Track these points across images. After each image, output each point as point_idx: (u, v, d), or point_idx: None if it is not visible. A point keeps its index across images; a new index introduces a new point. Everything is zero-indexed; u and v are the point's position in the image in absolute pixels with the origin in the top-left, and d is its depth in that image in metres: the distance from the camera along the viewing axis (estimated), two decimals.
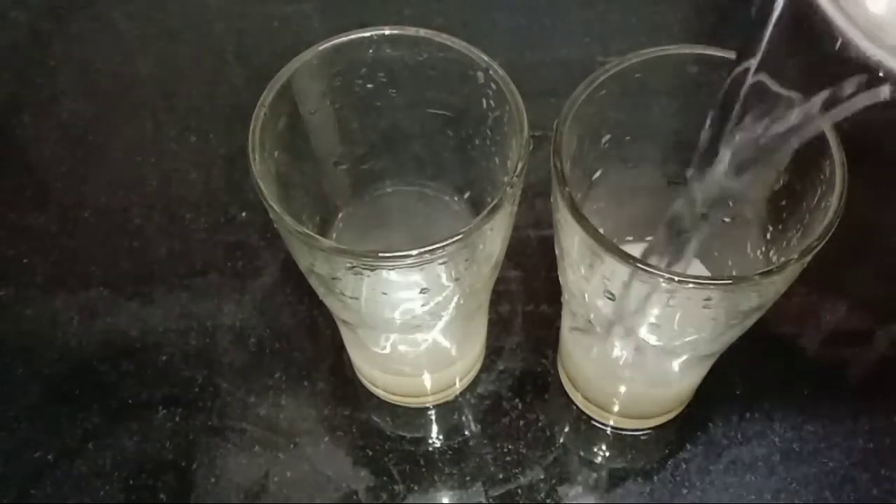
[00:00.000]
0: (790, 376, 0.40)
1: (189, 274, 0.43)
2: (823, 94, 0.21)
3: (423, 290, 0.29)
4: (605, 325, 0.31)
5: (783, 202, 0.30)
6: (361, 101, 0.32)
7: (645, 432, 0.39)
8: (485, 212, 0.26)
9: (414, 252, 0.25)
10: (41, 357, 0.41)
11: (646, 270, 0.25)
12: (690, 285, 0.25)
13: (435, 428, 0.39)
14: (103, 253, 0.44)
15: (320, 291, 0.31)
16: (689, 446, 0.38)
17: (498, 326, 0.41)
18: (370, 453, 0.38)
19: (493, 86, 0.29)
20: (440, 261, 0.26)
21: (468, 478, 0.37)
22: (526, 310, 0.42)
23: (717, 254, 0.35)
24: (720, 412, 0.39)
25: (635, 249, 0.33)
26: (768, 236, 0.31)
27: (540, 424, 0.39)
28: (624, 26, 0.53)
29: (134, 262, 0.44)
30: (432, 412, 0.40)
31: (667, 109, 0.31)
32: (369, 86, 0.31)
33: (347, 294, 0.29)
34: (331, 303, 0.32)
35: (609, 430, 0.39)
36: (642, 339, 0.31)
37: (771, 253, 0.31)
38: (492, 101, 0.30)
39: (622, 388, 0.37)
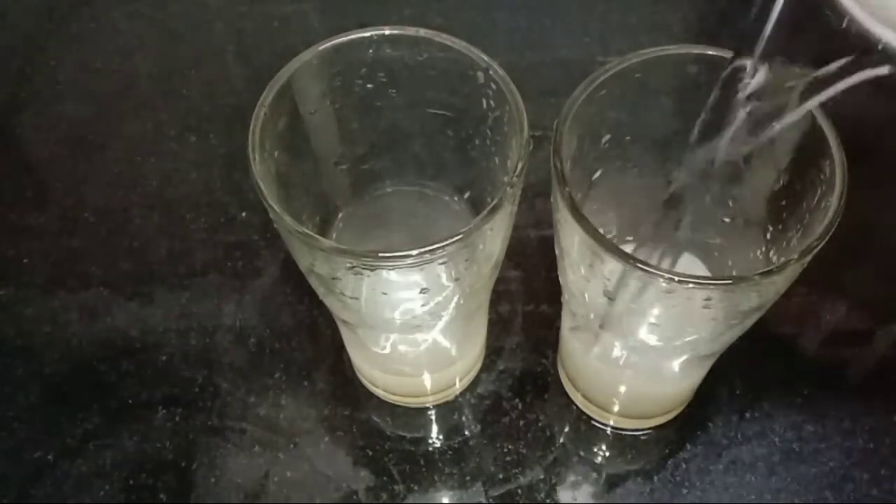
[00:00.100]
0: (790, 376, 0.40)
1: (189, 274, 0.43)
2: (826, 68, 0.21)
3: (423, 290, 0.29)
4: (605, 325, 0.31)
5: (783, 202, 0.30)
6: (361, 101, 0.32)
7: (645, 432, 0.39)
8: (485, 212, 0.26)
9: (414, 252, 0.25)
10: (41, 357, 0.41)
11: (646, 270, 0.25)
12: (690, 285, 0.25)
13: (435, 428, 0.39)
14: (103, 253, 0.44)
15: (320, 291, 0.31)
16: (689, 446, 0.38)
17: (498, 326, 0.41)
18: (370, 453, 0.38)
19: (493, 86, 0.29)
20: (440, 261, 0.26)
21: (468, 478, 0.37)
22: (526, 310, 0.42)
23: (717, 254, 0.35)
24: (720, 412, 0.39)
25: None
26: (768, 236, 0.31)
27: (540, 424, 0.39)
28: (624, 26, 0.53)
29: (134, 262, 0.44)
30: (432, 412, 0.40)
31: (667, 109, 0.31)
32: (369, 86, 0.31)
33: (347, 294, 0.29)
34: (331, 303, 0.32)
35: (609, 430, 0.39)
36: (642, 339, 0.31)
37: (771, 253, 0.31)
38: (492, 101, 0.30)
39: (622, 388, 0.37)
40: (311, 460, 0.38)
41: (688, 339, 0.30)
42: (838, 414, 0.39)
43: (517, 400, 0.39)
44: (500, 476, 0.37)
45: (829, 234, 0.25)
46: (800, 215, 0.29)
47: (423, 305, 0.30)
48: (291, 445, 0.38)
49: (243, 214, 0.45)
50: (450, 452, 0.38)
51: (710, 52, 0.29)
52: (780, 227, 0.30)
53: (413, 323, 0.32)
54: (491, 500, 0.37)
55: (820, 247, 0.25)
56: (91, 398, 0.40)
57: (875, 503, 0.36)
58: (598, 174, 0.32)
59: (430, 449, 0.38)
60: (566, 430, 0.39)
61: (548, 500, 0.37)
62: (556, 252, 0.31)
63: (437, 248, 0.25)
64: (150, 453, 0.38)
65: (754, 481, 0.37)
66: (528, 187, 0.29)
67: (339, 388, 0.40)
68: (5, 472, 0.38)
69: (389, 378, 0.38)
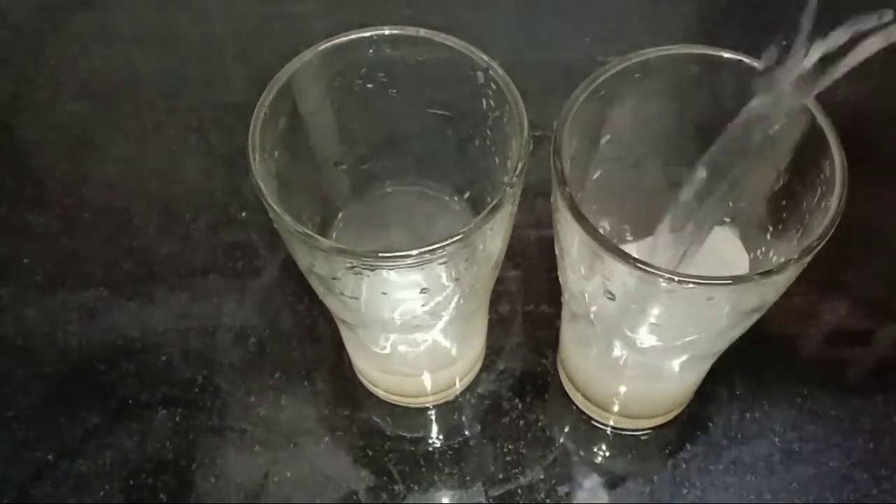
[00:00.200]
0: (790, 376, 0.40)
1: (189, 274, 0.43)
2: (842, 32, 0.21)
3: (423, 290, 0.29)
4: (605, 325, 0.31)
5: (783, 202, 0.30)
6: (361, 101, 0.32)
7: (645, 432, 0.39)
8: (485, 212, 0.26)
9: (414, 252, 0.25)
10: (41, 357, 0.41)
11: (646, 270, 0.25)
12: (690, 285, 0.25)
13: (435, 428, 0.39)
14: (103, 253, 0.44)
15: (320, 291, 0.31)
16: (689, 446, 0.38)
17: (498, 326, 0.41)
18: (370, 453, 0.38)
19: (493, 86, 0.29)
20: (440, 261, 0.26)
21: (468, 478, 0.37)
22: (526, 310, 0.42)
23: None
24: (720, 412, 0.39)
25: (635, 249, 0.33)
26: (768, 236, 0.31)
27: (540, 424, 0.39)
28: (624, 26, 0.53)
29: (134, 262, 0.44)
30: (432, 412, 0.40)
31: (667, 109, 0.31)
32: (369, 86, 0.31)
33: (347, 294, 0.29)
34: (331, 303, 0.32)
35: (609, 430, 0.39)
36: (642, 339, 0.31)
37: (771, 253, 0.31)
38: (492, 101, 0.30)
39: (622, 388, 0.37)
40: (311, 460, 0.38)
41: (688, 339, 0.30)
42: (838, 414, 0.39)
43: (517, 400, 0.39)
44: (500, 476, 0.37)
45: (829, 234, 0.25)
46: (800, 215, 0.29)
47: (423, 305, 0.30)
48: (291, 445, 0.38)
49: (243, 214, 0.45)
50: (450, 452, 0.38)
51: (710, 52, 0.29)
52: (780, 227, 0.30)
53: (413, 323, 0.32)
54: (491, 500, 0.37)
55: (820, 247, 0.25)
56: (91, 398, 0.40)
57: (875, 503, 0.36)
58: (598, 174, 0.32)
59: (430, 449, 0.38)
60: (566, 430, 0.39)
61: (548, 500, 0.37)
62: (556, 252, 0.31)
63: (437, 248, 0.25)
64: (150, 453, 0.38)
65: (754, 481, 0.37)
66: (528, 187, 0.29)
67: (338, 388, 0.40)
68: (5, 472, 0.38)
69: (389, 378, 0.38)
